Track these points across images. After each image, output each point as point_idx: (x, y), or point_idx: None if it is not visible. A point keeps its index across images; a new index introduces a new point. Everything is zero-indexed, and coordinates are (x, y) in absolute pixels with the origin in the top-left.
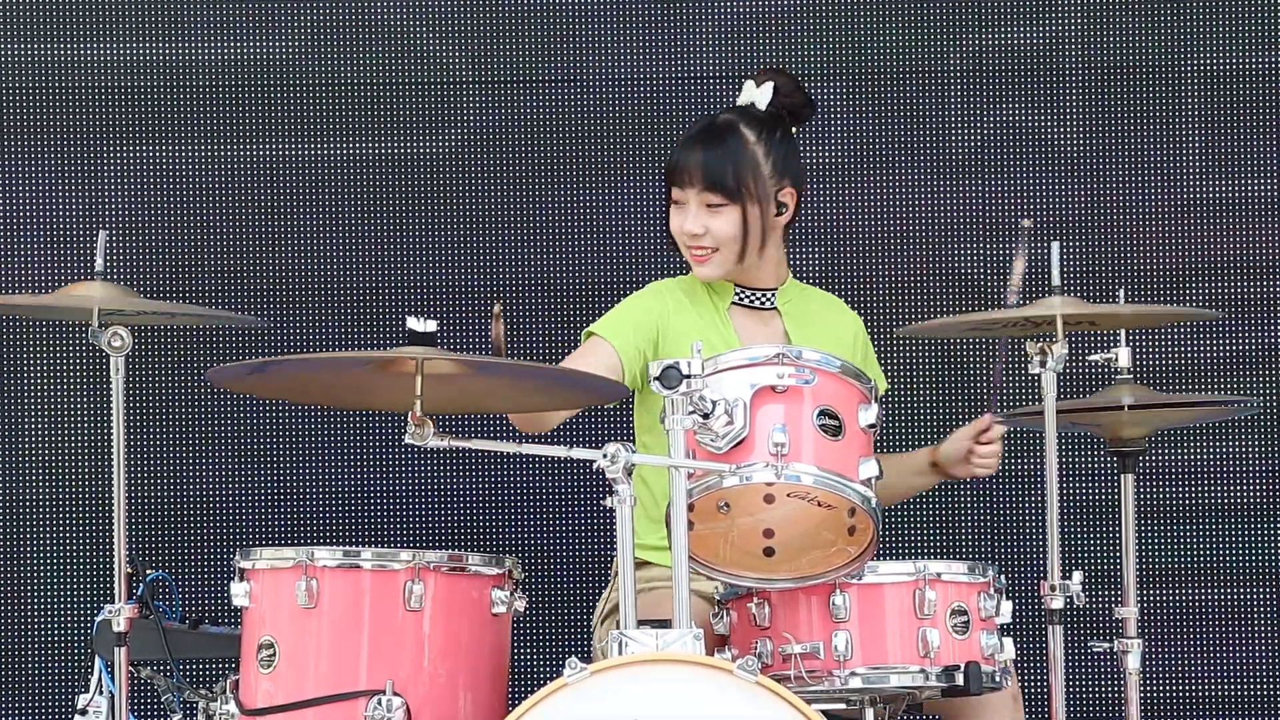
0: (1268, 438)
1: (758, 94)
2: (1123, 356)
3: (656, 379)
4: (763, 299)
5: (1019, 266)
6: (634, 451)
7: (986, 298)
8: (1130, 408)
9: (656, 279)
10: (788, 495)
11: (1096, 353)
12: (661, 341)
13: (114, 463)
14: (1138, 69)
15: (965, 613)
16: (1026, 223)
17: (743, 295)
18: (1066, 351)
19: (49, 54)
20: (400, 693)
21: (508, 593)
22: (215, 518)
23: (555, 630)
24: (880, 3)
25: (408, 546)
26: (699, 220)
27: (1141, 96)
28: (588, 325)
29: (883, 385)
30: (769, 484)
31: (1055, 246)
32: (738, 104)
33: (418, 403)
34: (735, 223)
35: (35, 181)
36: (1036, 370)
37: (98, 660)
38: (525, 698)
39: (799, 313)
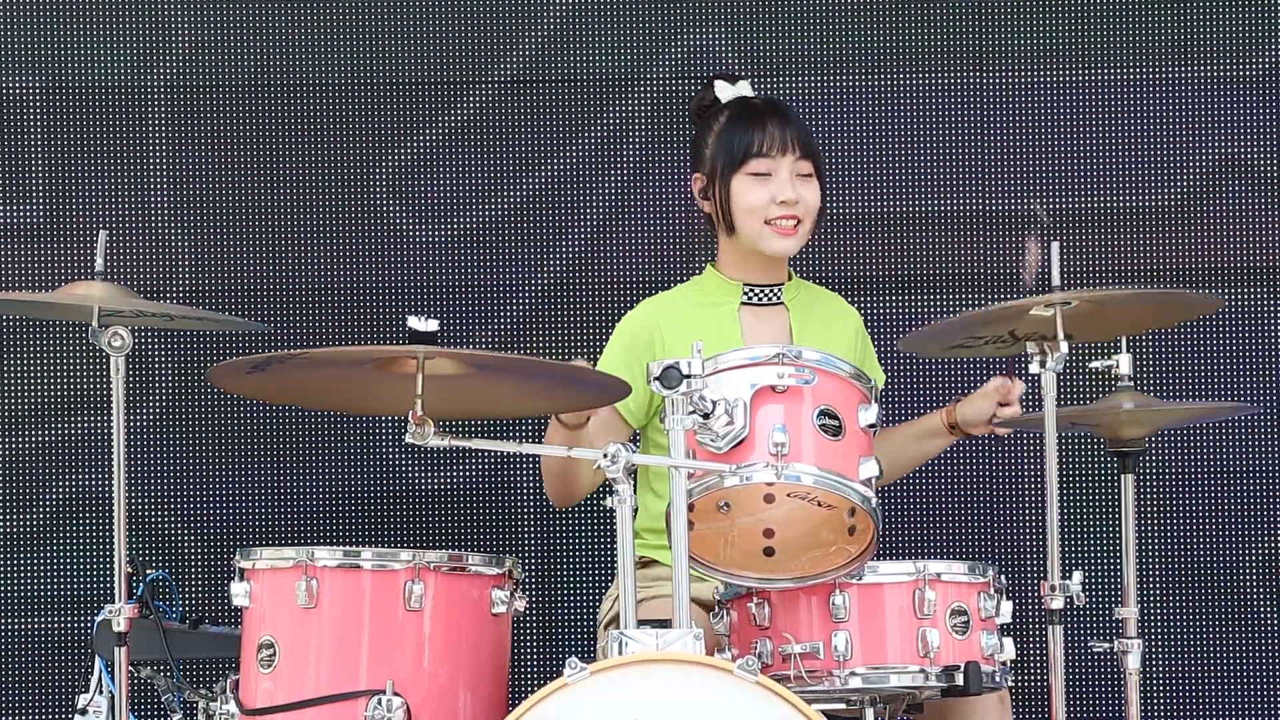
0: (1268, 438)
1: (737, 90)
2: (1123, 364)
3: (657, 379)
4: (771, 295)
5: (1033, 249)
6: (634, 452)
7: (986, 298)
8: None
9: (659, 278)
10: (788, 495)
11: (1097, 359)
12: (660, 354)
13: (114, 463)
14: (1138, 68)
15: (965, 613)
16: (1039, 212)
17: (752, 293)
18: (1067, 351)
19: (49, 54)
20: (400, 693)
21: (508, 593)
22: (215, 518)
23: (555, 630)
24: (881, 0)
25: (408, 546)
26: (795, 188)
27: (1142, 96)
28: (588, 325)
29: (880, 380)
30: (769, 484)
31: (1055, 246)
32: (726, 101)
33: (418, 401)
34: (818, 193)
35: (35, 181)
36: (1036, 370)
37: (98, 660)
38: (525, 698)
39: (804, 309)
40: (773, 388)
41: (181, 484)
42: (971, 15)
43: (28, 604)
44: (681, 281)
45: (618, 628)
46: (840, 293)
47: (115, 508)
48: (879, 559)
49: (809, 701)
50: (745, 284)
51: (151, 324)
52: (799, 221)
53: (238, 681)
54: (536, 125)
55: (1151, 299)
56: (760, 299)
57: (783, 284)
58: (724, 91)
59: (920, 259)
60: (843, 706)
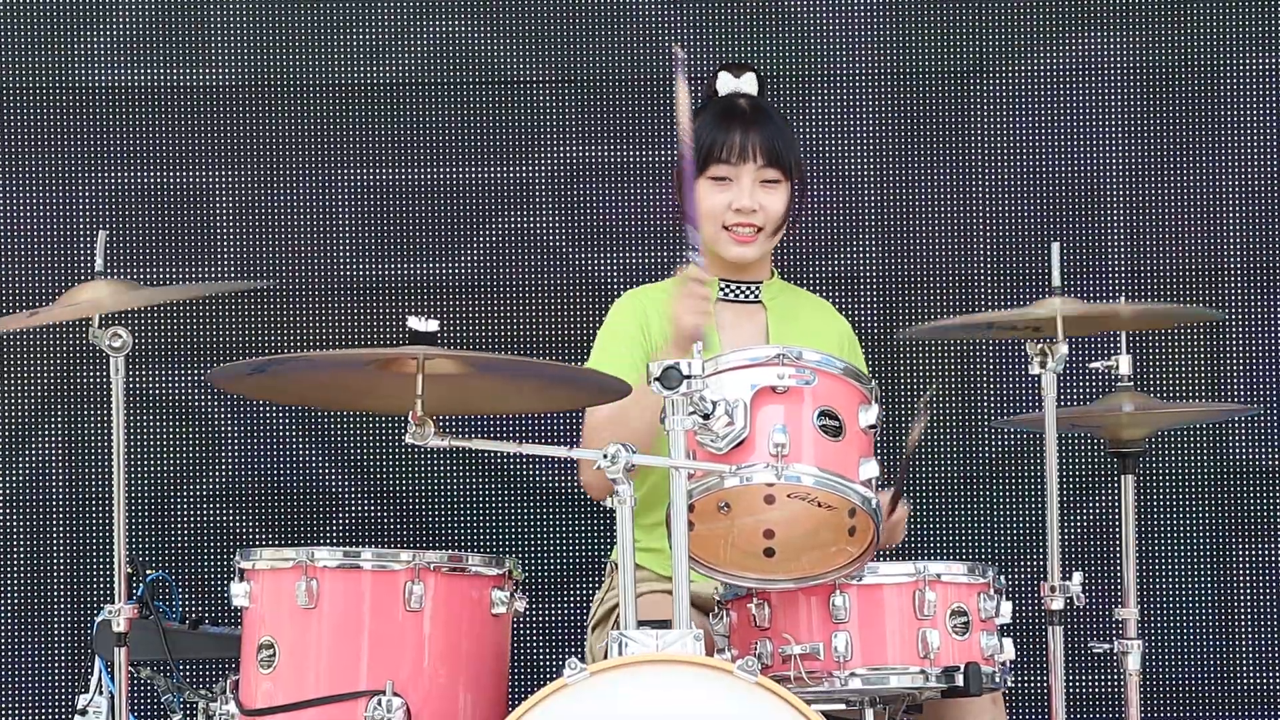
0: (1268, 438)
1: (740, 83)
2: (1123, 364)
3: (657, 379)
4: (749, 292)
5: (917, 429)
6: (634, 452)
7: (986, 298)
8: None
9: (656, 277)
10: (788, 496)
11: (1097, 360)
12: (650, 340)
13: (114, 463)
14: (1138, 68)
15: (965, 613)
16: (924, 399)
17: (729, 290)
18: (1067, 352)
19: (50, 54)
20: (400, 693)
21: (508, 593)
22: (215, 518)
23: (555, 630)
24: (881, 2)
25: (408, 546)
26: (754, 196)
27: (1141, 95)
28: (587, 325)
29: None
30: (769, 484)
31: (1055, 246)
32: (722, 95)
33: (418, 402)
34: (784, 201)
35: (35, 182)
36: (1036, 371)
37: (98, 660)
38: (525, 698)
39: (783, 309)
40: (773, 388)
41: (181, 484)
42: (972, 17)
43: (28, 604)
44: None
45: (604, 629)
46: (839, 290)
47: (115, 508)
48: (879, 560)
49: (809, 702)
50: (721, 280)
51: (158, 301)
52: (758, 229)
53: (237, 682)
54: (538, 125)
55: (1149, 311)
56: (737, 295)
57: (761, 282)
58: (724, 84)
59: (920, 263)
60: (843, 707)
